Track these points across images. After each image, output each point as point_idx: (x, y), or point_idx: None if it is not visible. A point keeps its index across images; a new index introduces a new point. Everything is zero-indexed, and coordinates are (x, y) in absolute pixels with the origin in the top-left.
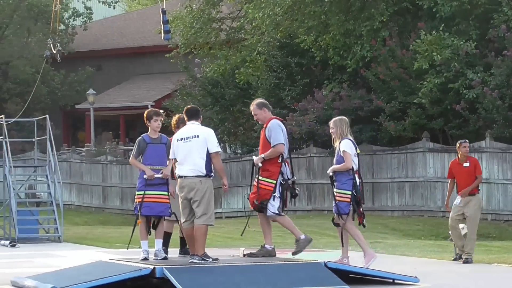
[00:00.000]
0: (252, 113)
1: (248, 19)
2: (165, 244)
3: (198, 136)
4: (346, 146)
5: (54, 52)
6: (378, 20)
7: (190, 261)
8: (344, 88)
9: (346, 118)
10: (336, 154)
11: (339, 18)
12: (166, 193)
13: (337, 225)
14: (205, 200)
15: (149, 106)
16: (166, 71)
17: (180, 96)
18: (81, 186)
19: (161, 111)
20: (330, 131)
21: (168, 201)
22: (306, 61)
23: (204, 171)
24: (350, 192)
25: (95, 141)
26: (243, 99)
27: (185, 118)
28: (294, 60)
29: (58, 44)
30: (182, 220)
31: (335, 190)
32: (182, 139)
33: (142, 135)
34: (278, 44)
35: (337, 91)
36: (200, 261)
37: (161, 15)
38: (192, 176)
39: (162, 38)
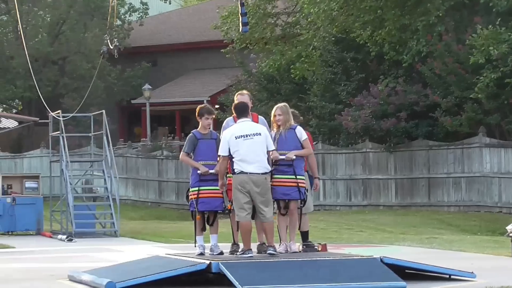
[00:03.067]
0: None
1: (303, 14)
2: (305, 240)
3: (260, 134)
4: (304, 132)
5: (111, 47)
6: (434, 15)
7: (268, 252)
8: (400, 83)
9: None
10: (284, 140)
11: (395, 13)
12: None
13: (284, 214)
14: (269, 196)
15: (205, 101)
16: (221, 66)
17: (235, 91)
18: (137, 181)
19: (216, 106)
20: (277, 118)
21: (222, 195)
22: (362, 56)
23: (269, 168)
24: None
25: (151, 136)
26: (299, 94)
27: (234, 114)
28: (350, 55)
29: (115, 40)
30: (244, 213)
31: (297, 176)
32: (241, 136)
33: (192, 131)
34: (333, 39)
35: (393, 86)
36: (275, 252)
37: (239, 7)
38: (259, 173)
39: (240, 30)
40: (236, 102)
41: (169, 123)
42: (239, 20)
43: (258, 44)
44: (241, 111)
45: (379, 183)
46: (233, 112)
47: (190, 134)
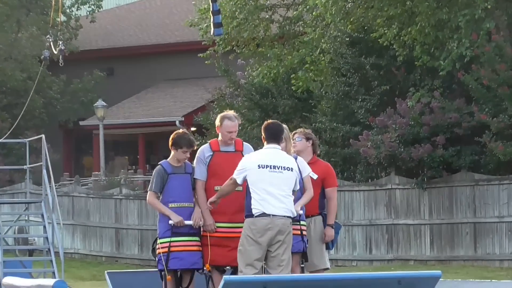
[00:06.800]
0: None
1: (308, 7)
2: None
3: (292, 170)
4: (307, 165)
5: (55, 52)
6: (480, 7)
7: None
8: (436, 97)
9: None
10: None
11: (429, 5)
12: (197, 238)
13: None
14: (290, 247)
15: (177, 122)
16: (199, 76)
17: (218, 109)
18: (88, 228)
19: (192, 129)
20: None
21: (200, 249)
22: (386, 62)
23: (295, 213)
24: None
25: (106, 168)
26: (302, 113)
27: (264, 136)
28: (370, 61)
29: (61, 43)
30: (252, 272)
31: (301, 223)
32: (268, 166)
33: (160, 163)
34: (348, 39)
35: (427, 101)
36: None
37: (211, 3)
38: (285, 217)
39: (212, 33)
40: (268, 121)
41: (130, 151)
42: (210, 20)
43: (248, 46)
44: (274, 135)
45: (409, 230)
46: (263, 133)
47: (158, 166)
